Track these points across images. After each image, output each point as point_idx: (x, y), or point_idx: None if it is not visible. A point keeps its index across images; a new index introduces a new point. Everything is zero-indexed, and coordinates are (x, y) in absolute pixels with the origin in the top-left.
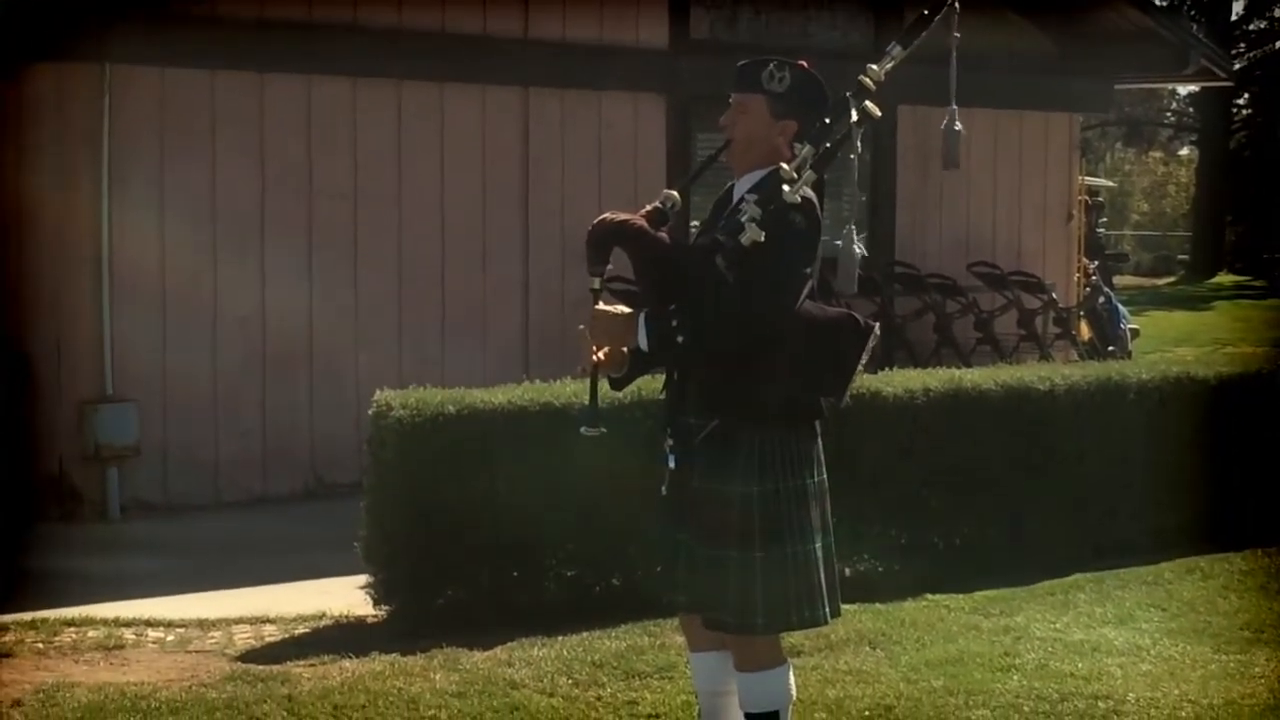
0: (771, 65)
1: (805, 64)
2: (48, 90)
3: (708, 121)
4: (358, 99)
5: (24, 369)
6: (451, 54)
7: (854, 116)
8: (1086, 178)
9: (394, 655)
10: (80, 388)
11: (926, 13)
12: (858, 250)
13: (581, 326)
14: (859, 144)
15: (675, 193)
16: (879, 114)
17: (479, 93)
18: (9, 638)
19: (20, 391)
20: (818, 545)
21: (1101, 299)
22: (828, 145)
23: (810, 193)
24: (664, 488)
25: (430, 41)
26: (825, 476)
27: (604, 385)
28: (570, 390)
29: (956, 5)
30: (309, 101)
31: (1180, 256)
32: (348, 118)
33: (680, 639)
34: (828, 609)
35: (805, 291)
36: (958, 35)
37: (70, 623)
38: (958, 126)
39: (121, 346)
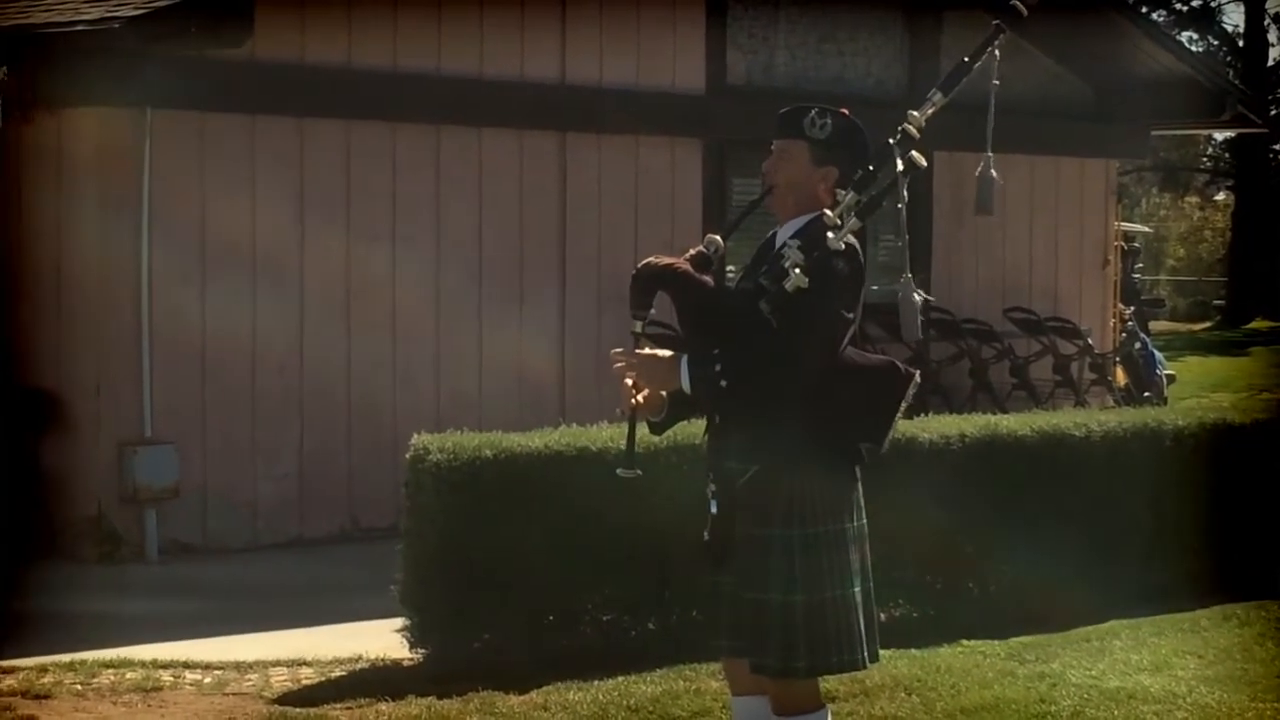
0: (813, 112)
1: (846, 111)
2: (90, 133)
3: (744, 166)
4: (397, 143)
5: (52, 409)
6: (490, 98)
7: (899, 165)
8: (1122, 223)
9: (430, 699)
10: (119, 429)
11: (967, 59)
12: (918, 297)
13: (617, 352)
14: (905, 193)
15: (719, 238)
16: (925, 164)
17: (516, 137)
18: (47, 679)
19: (45, 431)
20: (857, 589)
21: (1137, 344)
22: (873, 193)
23: (853, 239)
24: (706, 533)
25: (469, 86)
26: (865, 521)
27: (642, 428)
28: (606, 435)
29: (998, 53)
30: (348, 145)
31: (1216, 301)
32: (386, 162)
33: (715, 684)
34: (867, 653)
35: (848, 337)
36: (997, 82)
37: (108, 664)
38: (993, 174)
39: (161, 388)
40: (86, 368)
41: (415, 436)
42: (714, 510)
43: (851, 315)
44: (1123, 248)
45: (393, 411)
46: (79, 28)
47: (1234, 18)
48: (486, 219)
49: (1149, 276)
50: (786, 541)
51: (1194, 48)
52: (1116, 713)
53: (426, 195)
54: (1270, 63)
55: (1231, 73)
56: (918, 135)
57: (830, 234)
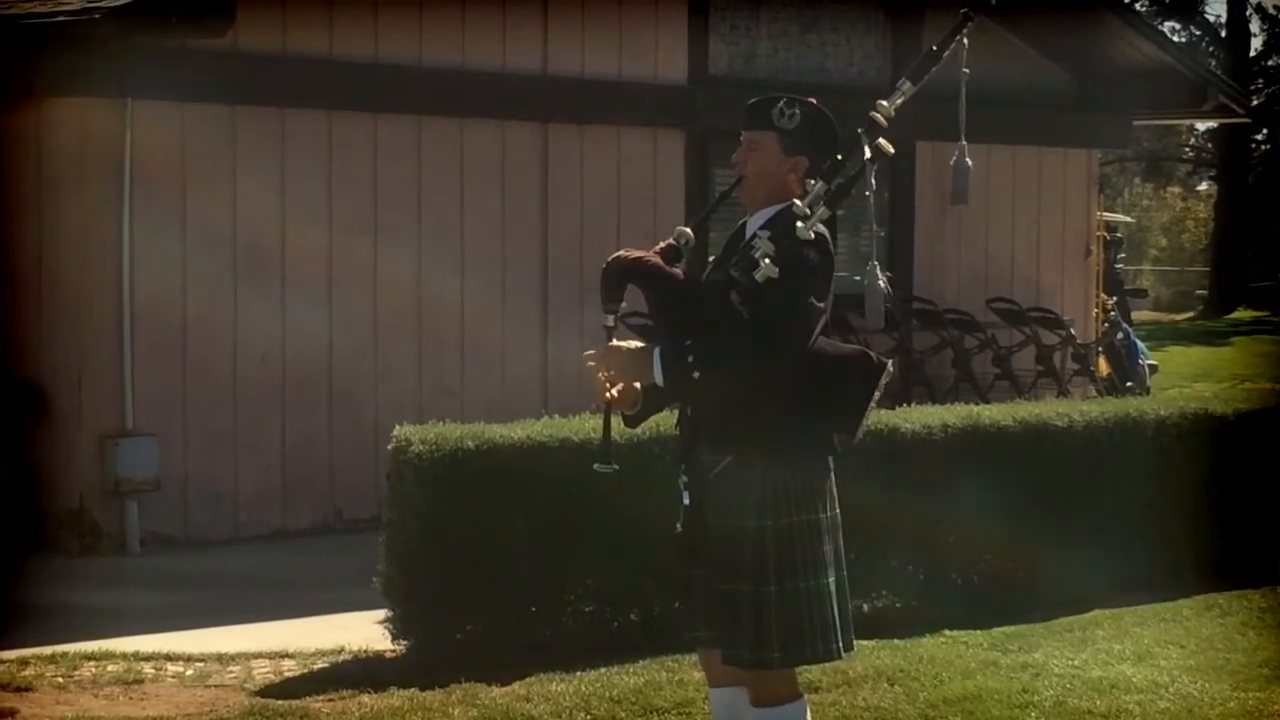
0: (781, 102)
1: (814, 101)
2: (70, 124)
3: (726, 156)
4: (379, 133)
5: (34, 401)
6: (471, 89)
7: (867, 153)
8: (1105, 213)
9: (412, 690)
10: (101, 421)
11: (935, 48)
12: (882, 285)
13: (589, 355)
14: (873, 180)
15: (689, 229)
16: (892, 150)
17: (498, 127)
18: (29, 671)
19: (26, 423)
20: (830, 580)
21: (1120, 335)
22: (840, 182)
23: (823, 229)
24: (679, 524)
25: (450, 76)
26: (838, 511)
27: (618, 422)
28: (588, 426)
29: (965, 41)
30: (330, 135)
31: (1199, 291)
32: (368, 152)
33: (698, 675)
34: (841, 643)
35: (819, 327)
36: (966, 70)
37: (90, 656)
38: (968, 162)
39: (142, 380)
40: (68, 359)
41: (397, 428)
42: (686, 501)
43: (822, 304)
44: (1105, 238)
45: (375, 402)
46: (60, 18)
47: (1216, 8)
48: (468, 209)
49: (1132, 266)
50: (759, 533)
51: (1176, 38)
52: (1099, 703)
53: (408, 186)
54: (1252, 52)
55: (1214, 63)
56: (885, 124)
57: (800, 223)
